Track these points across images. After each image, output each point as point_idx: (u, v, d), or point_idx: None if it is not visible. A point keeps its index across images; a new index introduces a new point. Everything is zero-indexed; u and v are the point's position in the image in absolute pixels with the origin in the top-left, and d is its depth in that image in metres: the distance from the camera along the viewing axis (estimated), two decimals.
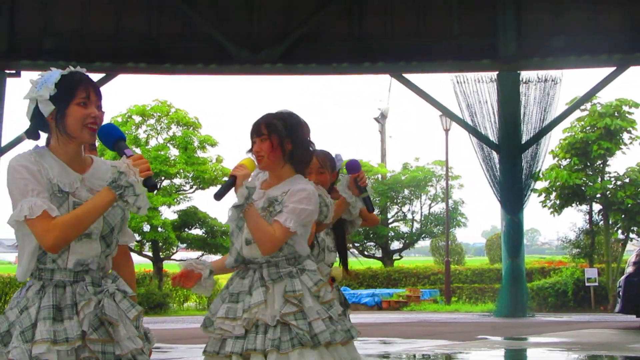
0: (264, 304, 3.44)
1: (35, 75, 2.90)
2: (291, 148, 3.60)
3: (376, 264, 31.06)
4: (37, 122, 2.87)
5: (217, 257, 22.05)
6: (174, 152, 25.90)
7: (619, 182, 21.19)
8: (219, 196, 3.38)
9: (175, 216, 25.66)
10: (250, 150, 3.65)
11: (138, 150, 25.45)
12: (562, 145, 21.66)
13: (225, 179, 3.63)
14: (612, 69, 17.12)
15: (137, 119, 26.35)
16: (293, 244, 3.54)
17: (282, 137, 3.58)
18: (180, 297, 24.32)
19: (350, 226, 4.61)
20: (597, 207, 22.01)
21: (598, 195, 21.20)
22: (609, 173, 21.56)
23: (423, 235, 32.47)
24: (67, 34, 16.33)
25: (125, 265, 3.17)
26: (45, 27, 15.90)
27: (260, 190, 3.63)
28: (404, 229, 32.09)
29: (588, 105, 21.13)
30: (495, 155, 18.08)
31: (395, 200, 31.80)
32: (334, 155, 4.55)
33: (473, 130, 18.16)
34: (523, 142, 17.92)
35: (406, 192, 31.64)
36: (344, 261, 4.58)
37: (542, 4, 17.23)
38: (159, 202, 24.00)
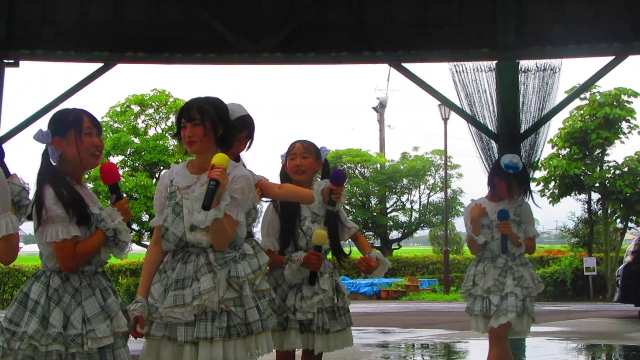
0: (213, 290, 3.46)
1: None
2: (222, 132, 3.65)
3: None
4: None
5: None
6: (172, 141, 25.86)
7: (617, 171, 21.19)
8: (208, 207, 3.40)
9: None
10: (178, 135, 3.66)
11: (136, 140, 25.45)
12: (561, 135, 21.65)
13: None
14: (612, 57, 17.07)
15: (136, 108, 26.32)
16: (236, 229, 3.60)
17: (214, 122, 3.62)
18: None
19: (344, 233, 4.70)
20: (595, 196, 22.02)
21: (597, 185, 21.21)
22: (608, 162, 21.57)
23: (422, 225, 32.50)
24: (66, 23, 16.21)
25: None
26: (44, 16, 15.79)
27: (193, 175, 3.64)
28: (402, 218, 32.12)
29: (587, 95, 21.11)
30: (494, 144, 17.96)
31: (394, 190, 31.81)
32: (319, 147, 4.64)
33: (472, 120, 18.03)
34: (522, 131, 17.77)
35: (405, 181, 31.64)
36: (337, 254, 4.64)
37: None
38: None
